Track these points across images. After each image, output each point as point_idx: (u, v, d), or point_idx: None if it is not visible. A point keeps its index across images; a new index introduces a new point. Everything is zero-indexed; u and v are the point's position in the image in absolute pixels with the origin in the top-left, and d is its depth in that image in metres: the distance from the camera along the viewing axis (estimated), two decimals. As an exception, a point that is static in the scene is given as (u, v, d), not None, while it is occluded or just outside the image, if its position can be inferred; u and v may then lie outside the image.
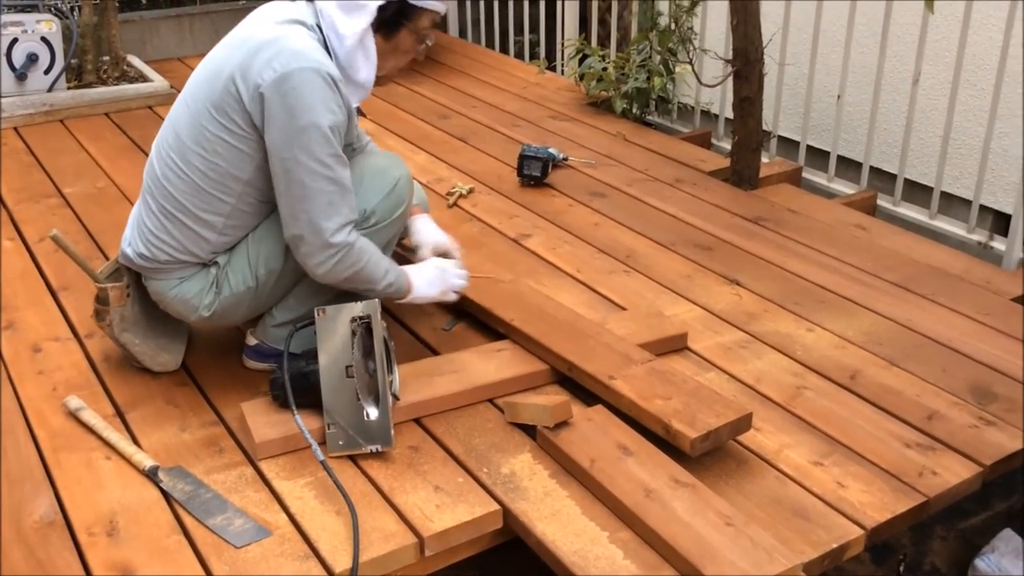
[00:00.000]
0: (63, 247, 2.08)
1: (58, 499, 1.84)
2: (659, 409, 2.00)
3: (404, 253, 2.47)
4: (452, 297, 2.28)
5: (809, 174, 3.73)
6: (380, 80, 2.17)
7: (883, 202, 3.50)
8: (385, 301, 2.33)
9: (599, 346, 2.23)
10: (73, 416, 2.07)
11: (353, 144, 2.29)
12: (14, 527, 1.76)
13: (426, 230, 2.41)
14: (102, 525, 1.78)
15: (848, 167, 3.78)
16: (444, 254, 2.37)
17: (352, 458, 1.96)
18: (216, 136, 1.99)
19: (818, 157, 3.84)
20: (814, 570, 1.75)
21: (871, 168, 3.61)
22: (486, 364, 2.23)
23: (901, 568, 2.21)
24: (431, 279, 2.23)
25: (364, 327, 1.98)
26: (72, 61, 4.15)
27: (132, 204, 2.19)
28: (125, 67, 4.43)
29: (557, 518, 1.81)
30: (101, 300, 2.13)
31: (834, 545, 1.78)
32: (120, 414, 2.11)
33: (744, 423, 1.99)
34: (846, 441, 2.06)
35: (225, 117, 1.98)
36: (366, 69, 2.08)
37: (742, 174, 3.41)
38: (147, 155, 2.18)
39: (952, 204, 3.54)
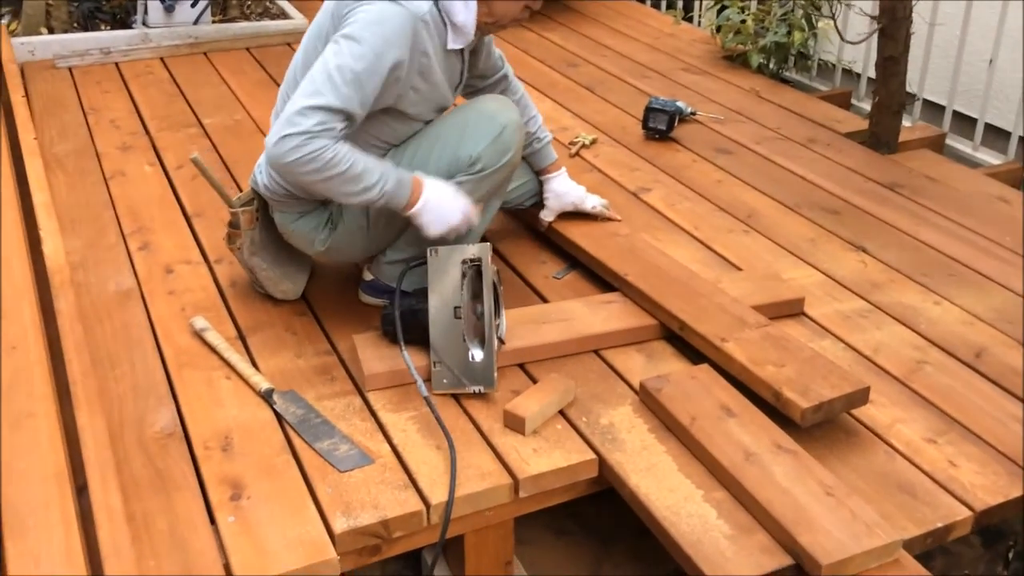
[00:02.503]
0: (201, 170, 2.17)
1: (179, 413, 1.95)
2: (771, 376, 1.95)
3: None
4: (458, 221, 2.11)
5: (953, 141, 3.56)
6: (491, 27, 2.16)
7: (1031, 174, 3.31)
8: (497, 246, 2.36)
9: (712, 306, 2.18)
10: (198, 336, 2.17)
11: (486, 75, 2.35)
12: (136, 436, 1.87)
13: (558, 190, 2.49)
14: (217, 440, 1.87)
15: (997, 136, 3.58)
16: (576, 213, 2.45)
17: (455, 397, 2.00)
18: None
19: (965, 124, 3.64)
20: (916, 548, 1.70)
21: (1020, 138, 3.40)
22: (594, 315, 2.22)
23: (1010, 555, 2.13)
24: (443, 215, 2.08)
25: (474, 270, 2.01)
26: (218, -5, 4.29)
27: (265, 137, 2.25)
28: (268, 3, 4.55)
29: (652, 472, 1.81)
30: (233, 224, 2.22)
31: (939, 524, 1.73)
32: (241, 337, 2.21)
33: (860, 397, 1.92)
34: (964, 420, 1.98)
35: (321, 45, 2.03)
36: (464, 12, 2.06)
37: (880, 137, 3.27)
38: (284, 90, 2.24)
39: (1108, 181, 3.32)
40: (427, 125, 2.17)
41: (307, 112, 1.90)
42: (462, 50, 2.16)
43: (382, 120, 2.10)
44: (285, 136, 1.90)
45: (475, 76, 2.37)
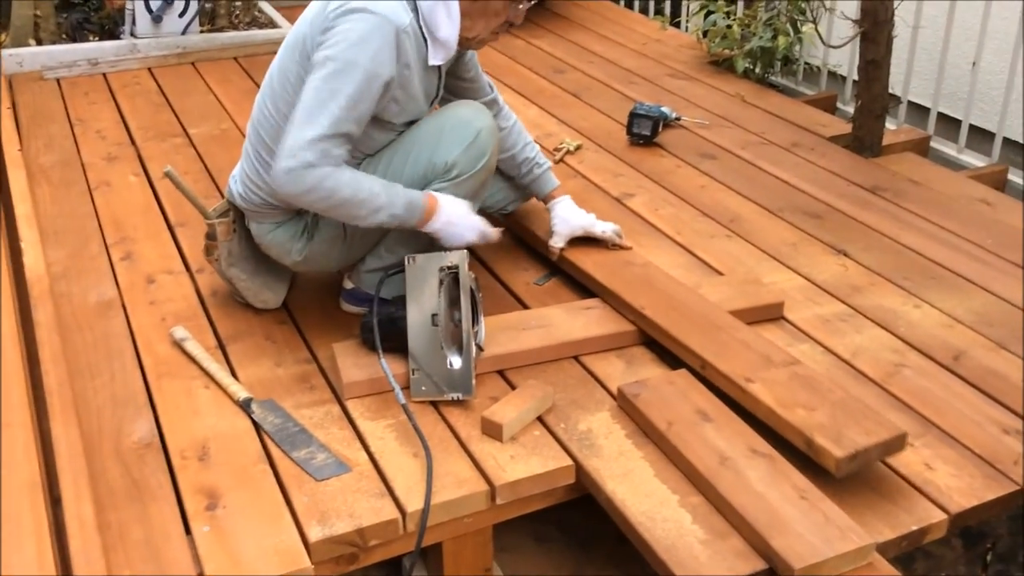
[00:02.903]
0: (176, 183, 2.18)
1: (157, 423, 1.95)
2: (801, 420, 1.82)
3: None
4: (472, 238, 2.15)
5: (938, 143, 3.56)
6: (472, 43, 2.17)
7: (1015, 176, 3.32)
8: (478, 252, 2.36)
9: (734, 342, 2.08)
10: (178, 346, 2.18)
11: (471, 99, 2.32)
12: (114, 446, 1.88)
13: (565, 216, 2.43)
14: (195, 450, 1.87)
15: (981, 138, 3.59)
16: (585, 240, 2.40)
17: (434, 404, 2.01)
18: (297, 76, 2.04)
19: (950, 126, 3.65)
20: (890, 551, 1.70)
21: (1004, 140, 3.41)
22: (573, 321, 2.23)
23: (988, 557, 2.13)
24: (459, 232, 2.12)
25: (452, 277, 2.01)
26: (206, 5, 4.30)
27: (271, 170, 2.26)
28: (256, 12, 4.57)
29: (629, 478, 1.81)
30: (210, 235, 2.23)
31: (913, 527, 1.73)
32: (221, 346, 2.21)
33: (897, 443, 1.80)
34: (941, 423, 1.98)
35: (303, 55, 2.03)
36: (447, 27, 2.07)
37: (864, 141, 3.28)
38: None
39: (1092, 182, 3.32)
40: (401, 133, 2.18)
41: (307, 145, 1.93)
42: (440, 65, 2.17)
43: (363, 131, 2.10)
44: (289, 170, 1.93)
45: (457, 96, 2.35)
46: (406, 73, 2.05)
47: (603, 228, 2.45)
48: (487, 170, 2.20)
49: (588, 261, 2.40)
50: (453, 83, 2.32)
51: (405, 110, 2.12)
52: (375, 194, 2.00)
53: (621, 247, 2.47)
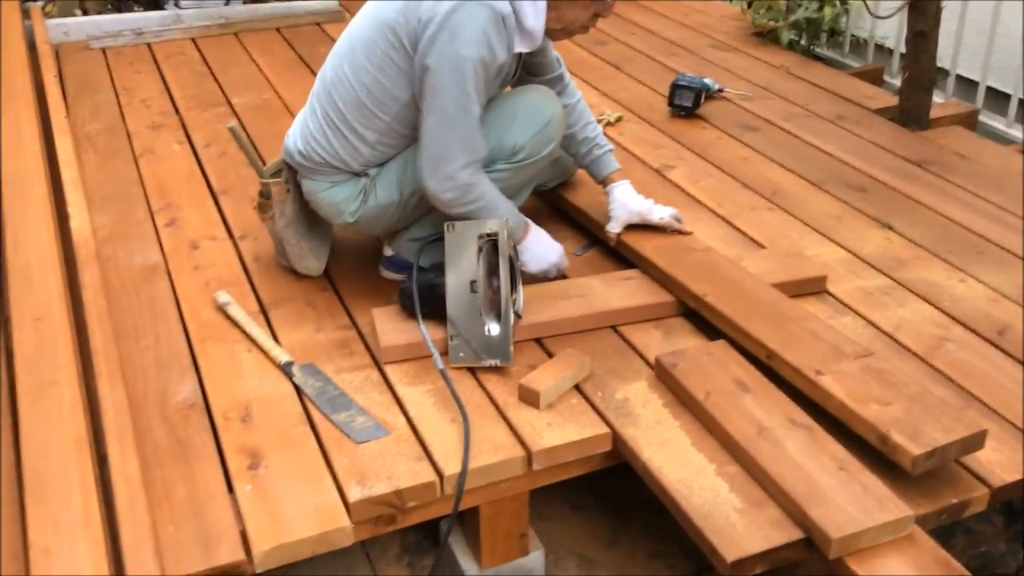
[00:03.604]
0: (238, 139, 2.19)
1: (200, 385, 1.98)
2: (875, 416, 1.75)
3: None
4: (552, 273, 2.29)
5: (987, 117, 3.50)
6: (559, 33, 2.17)
7: (1066, 151, 3.24)
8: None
9: (804, 333, 1.99)
10: (221, 310, 2.21)
11: (539, 74, 2.34)
12: (159, 406, 1.91)
13: (624, 200, 2.38)
14: (238, 411, 1.90)
15: (1032, 112, 3.51)
16: (642, 225, 2.39)
17: (472, 370, 2.02)
18: (384, 54, 2.05)
19: (999, 100, 3.58)
20: (929, 524, 1.69)
21: (1056, 114, 3.34)
22: (611, 291, 2.23)
23: (1030, 534, 2.11)
24: (542, 252, 2.26)
25: (491, 244, 2.02)
26: (249, -24, 4.32)
27: (294, 117, 2.29)
28: (298, -17, 4.57)
29: (666, 446, 1.81)
30: (264, 195, 2.25)
31: (954, 500, 1.71)
32: (263, 311, 2.24)
33: (976, 441, 1.73)
34: (984, 397, 1.96)
35: (395, 36, 2.03)
36: (533, 17, 2.06)
37: (910, 114, 3.23)
38: (312, 71, 2.27)
39: None
40: None
41: (459, 168, 2.05)
42: (519, 57, 2.17)
43: None
44: (443, 190, 2.07)
45: (527, 74, 2.34)
46: (493, 58, 2.05)
47: (661, 215, 2.37)
48: (550, 157, 2.22)
49: (647, 246, 2.33)
50: (524, 57, 2.32)
51: (487, 90, 2.12)
52: (499, 207, 2.12)
53: (681, 232, 2.40)
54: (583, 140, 2.41)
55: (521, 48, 2.11)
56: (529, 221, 2.22)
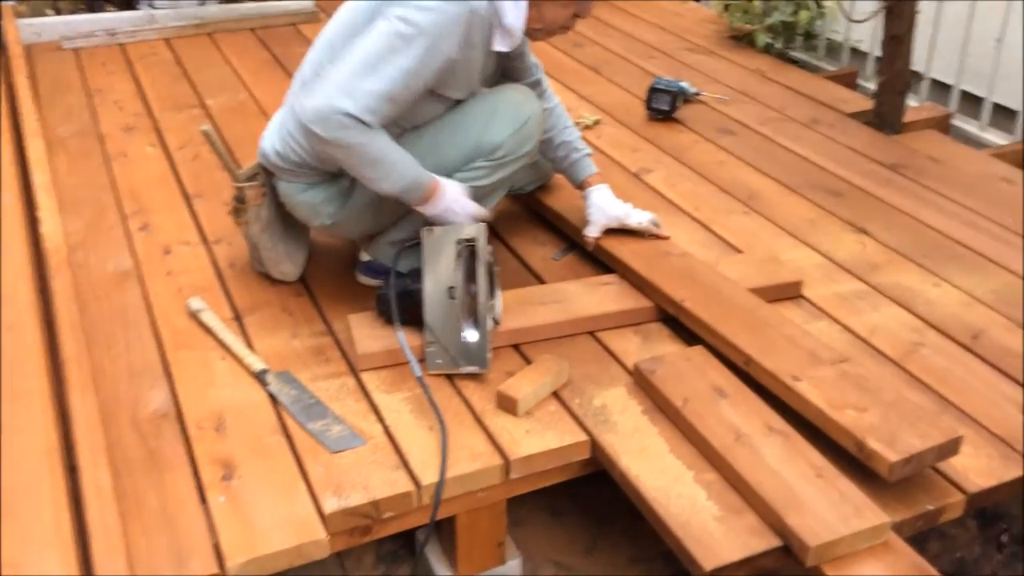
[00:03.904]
0: (211, 142, 2.17)
1: (173, 393, 1.96)
2: (852, 422, 1.75)
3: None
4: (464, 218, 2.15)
5: (961, 121, 3.53)
6: (539, 33, 2.16)
7: (1038, 155, 3.27)
8: (495, 226, 2.35)
9: (781, 338, 2.00)
10: (194, 317, 2.18)
11: (516, 79, 2.31)
12: (130, 416, 1.88)
13: (601, 204, 2.37)
14: (211, 420, 1.88)
15: (1005, 116, 3.54)
16: (620, 229, 2.37)
17: (449, 377, 2.01)
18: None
19: (973, 103, 3.61)
20: (906, 530, 1.70)
21: (1029, 118, 3.37)
22: (590, 296, 2.22)
23: (1004, 538, 2.12)
24: (463, 206, 2.13)
25: (469, 250, 2.00)
26: (223, -24, 4.28)
27: (269, 118, 2.26)
28: (273, -16, 4.54)
29: (644, 454, 1.81)
30: (239, 199, 2.22)
31: (930, 507, 1.72)
32: (238, 318, 2.22)
33: (952, 447, 1.73)
34: (958, 402, 1.97)
35: (368, 23, 2.01)
36: (514, 15, 2.05)
37: (885, 118, 3.24)
38: (288, 72, 2.24)
39: (1117, 161, 3.28)
40: (449, 109, 2.17)
41: (353, 95, 1.92)
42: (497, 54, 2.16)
43: (414, 102, 2.08)
44: (323, 115, 1.92)
45: (505, 79, 2.33)
46: (470, 54, 2.05)
47: (639, 219, 2.37)
48: (530, 156, 2.20)
49: (625, 251, 2.32)
50: (501, 61, 2.31)
51: (460, 87, 2.12)
52: (391, 163, 2.01)
53: (658, 237, 2.40)
54: (561, 144, 2.40)
55: (500, 47, 2.10)
56: (441, 181, 2.09)
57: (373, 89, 1.93)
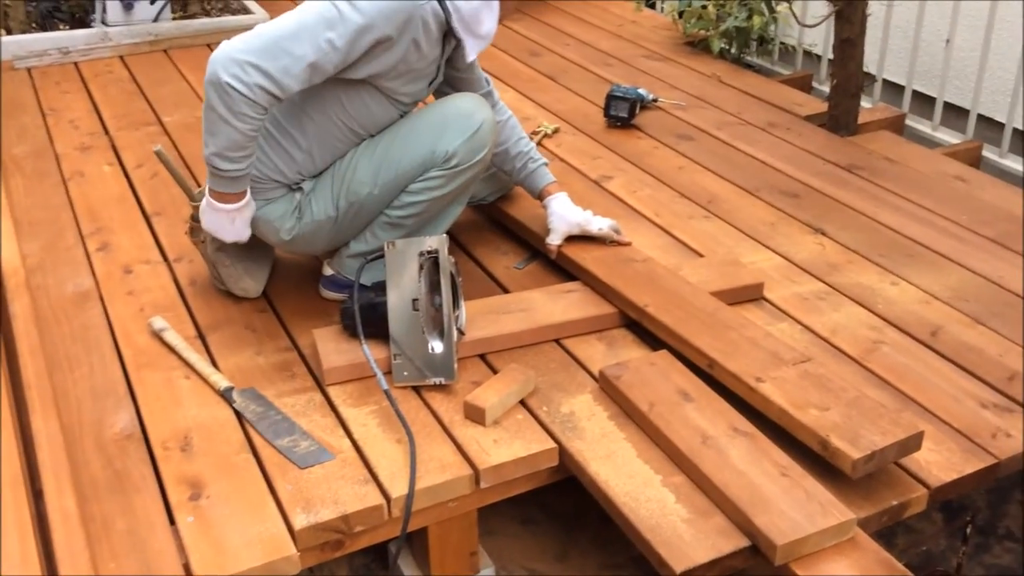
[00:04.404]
0: (165, 163, 2.16)
1: (138, 414, 1.94)
2: (815, 421, 1.78)
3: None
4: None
5: (914, 121, 3.59)
6: None
7: (989, 153, 3.35)
8: (458, 236, 2.36)
9: (743, 340, 2.03)
10: (157, 336, 2.16)
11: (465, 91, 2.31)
12: (95, 437, 1.86)
13: (562, 213, 2.38)
14: (177, 440, 1.87)
15: (957, 115, 3.61)
16: (582, 237, 2.38)
17: (416, 389, 2.01)
18: None
19: (925, 103, 3.67)
20: (871, 526, 1.72)
21: (979, 117, 3.44)
22: (554, 304, 2.23)
23: (968, 530, 2.16)
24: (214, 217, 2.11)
25: (431, 261, 2.01)
26: (177, -8, 4.25)
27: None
28: (228, -1, 4.52)
29: (612, 459, 1.82)
30: (196, 218, 2.21)
31: (894, 502, 1.75)
32: (201, 336, 2.20)
33: (914, 443, 1.77)
34: (919, 398, 2.01)
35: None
36: (490, 22, 2.08)
37: (839, 120, 3.29)
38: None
39: (1065, 157, 3.36)
40: (401, 119, 2.18)
41: (258, 61, 1.87)
42: (442, 52, 2.16)
43: (361, 99, 2.10)
44: (232, 61, 1.87)
45: (454, 87, 2.34)
46: (414, 53, 2.05)
47: (600, 225, 2.39)
48: (483, 163, 2.20)
49: (588, 258, 2.34)
50: (450, 73, 2.32)
51: (406, 88, 2.12)
52: (229, 143, 1.95)
53: (619, 243, 2.42)
54: (517, 155, 2.42)
55: (472, 55, 2.11)
56: (207, 203, 2.07)
57: (289, 54, 1.89)
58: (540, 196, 2.44)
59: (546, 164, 2.46)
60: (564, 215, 2.38)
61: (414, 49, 2.04)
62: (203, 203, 2.11)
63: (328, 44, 1.92)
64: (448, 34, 2.11)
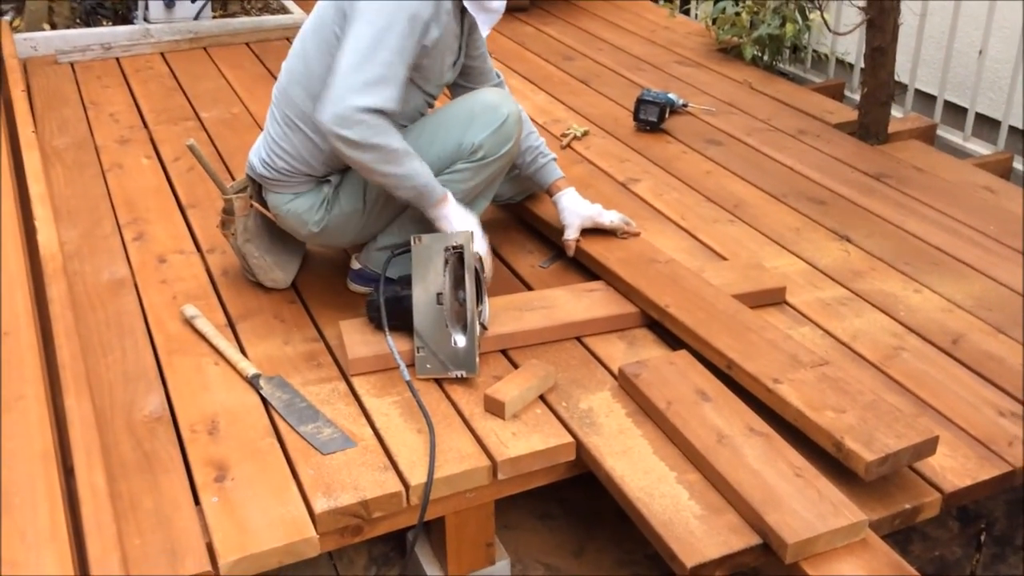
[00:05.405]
0: (197, 157, 2.21)
1: (167, 398, 1.99)
2: (830, 423, 1.80)
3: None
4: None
5: (945, 132, 3.58)
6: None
7: (1019, 164, 3.33)
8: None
9: (762, 342, 2.04)
10: (188, 323, 2.22)
11: (476, 85, 2.36)
12: (125, 420, 1.92)
13: (572, 207, 2.43)
14: (204, 424, 1.92)
15: (988, 126, 3.60)
16: (594, 229, 2.42)
17: (438, 382, 2.04)
18: (333, 34, 2.08)
19: (957, 114, 3.66)
20: (883, 528, 1.73)
21: (1010, 128, 3.42)
22: (576, 303, 2.26)
23: (983, 538, 2.16)
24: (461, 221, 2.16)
25: (456, 256, 2.04)
26: (218, -9, 4.34)
27: (262, 130, 2.31)
28: (268, -2, 4.60)
29: (628, 455, 1.85)
30: (227, 210, 2.27)
31: (907, 506, 1.76)
32: (231, 324, 2.25)
33: (928, 447, 1.78)
34: (937, 405, 2.01)
35: (342, 16, 2.06)
36: None
37: (869, 128, 3.30)
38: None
39: (1098, 171, 3.34)
40: (427, 115, 2.23)
41: (364, 89, 1.96)
42: (460, 36, 2.21)
43: None
44: (349, 116, 1.96)
45: (465, 77, 2.39)
46: (437, 35, 2.09)
47: (610, 217, 2.45)
48: (510, 156, 2.24)
49: (612, 258, 2.37)
50: (465, 63, 2.35)
51: (433, 73, 2.17)
52: (412, 165, 2.05)
53: (630, 234, 2.47)
54: (527, 149, 2.45)
55: (486, 29, 2.16)
56: (450, 197, 2.14)
57: (375, 76, 1.97)
58: (549, 191, 2.49)
59: (555, 159, 2.50)
60: (575, 209, 2.43)
61: (438, 35, 2.08)
62: (455, 214, 2.14)
63: (410, 51, 2.02)
64: (463, 12, 2.16)
